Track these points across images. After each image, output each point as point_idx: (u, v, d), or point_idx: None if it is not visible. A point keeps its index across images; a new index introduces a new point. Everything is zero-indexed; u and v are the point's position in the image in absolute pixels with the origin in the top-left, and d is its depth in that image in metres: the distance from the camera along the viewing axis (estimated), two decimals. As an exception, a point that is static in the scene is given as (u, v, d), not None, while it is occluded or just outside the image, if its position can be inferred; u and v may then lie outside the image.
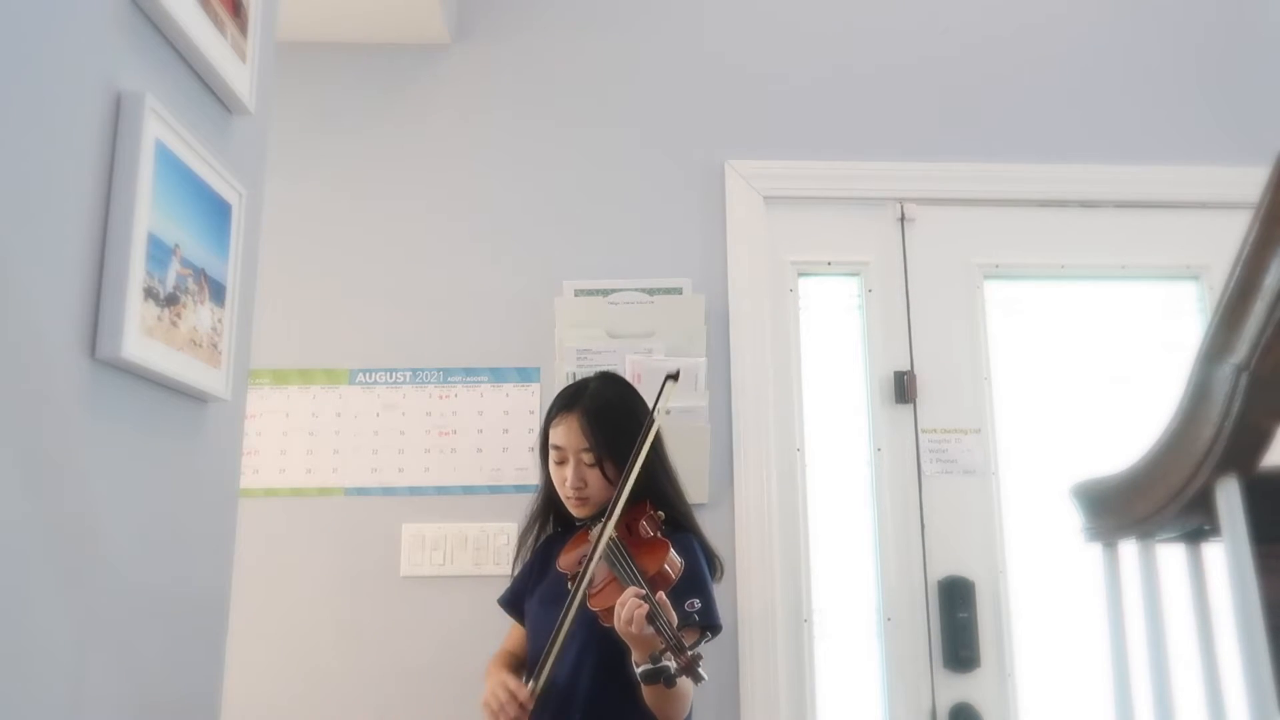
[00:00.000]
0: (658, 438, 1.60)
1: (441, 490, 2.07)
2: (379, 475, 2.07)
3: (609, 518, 1.45)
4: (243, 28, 1.11)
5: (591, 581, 1.44)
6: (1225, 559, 0.70)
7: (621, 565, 1.41)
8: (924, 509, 2.09)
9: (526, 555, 1.71)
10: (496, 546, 2.02)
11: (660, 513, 1.54)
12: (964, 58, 2.30)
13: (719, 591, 1.74)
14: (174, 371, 0.95)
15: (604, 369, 2.00)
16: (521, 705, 1.42)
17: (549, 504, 1.69)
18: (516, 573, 1.73)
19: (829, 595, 2.08)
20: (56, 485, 0.80)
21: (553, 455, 1.60)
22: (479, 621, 1.88)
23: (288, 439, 2.09)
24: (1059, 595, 2.07)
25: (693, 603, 1.47)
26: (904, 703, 2.01)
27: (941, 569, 2.07)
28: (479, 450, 2.08)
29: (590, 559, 1.43)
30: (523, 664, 1.65)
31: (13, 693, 0.73)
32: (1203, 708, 0.81)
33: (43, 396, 0.78)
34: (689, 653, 1.26)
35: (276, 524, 2.05)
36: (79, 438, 0.83)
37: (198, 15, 1.00)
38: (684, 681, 1.36)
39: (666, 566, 1.42)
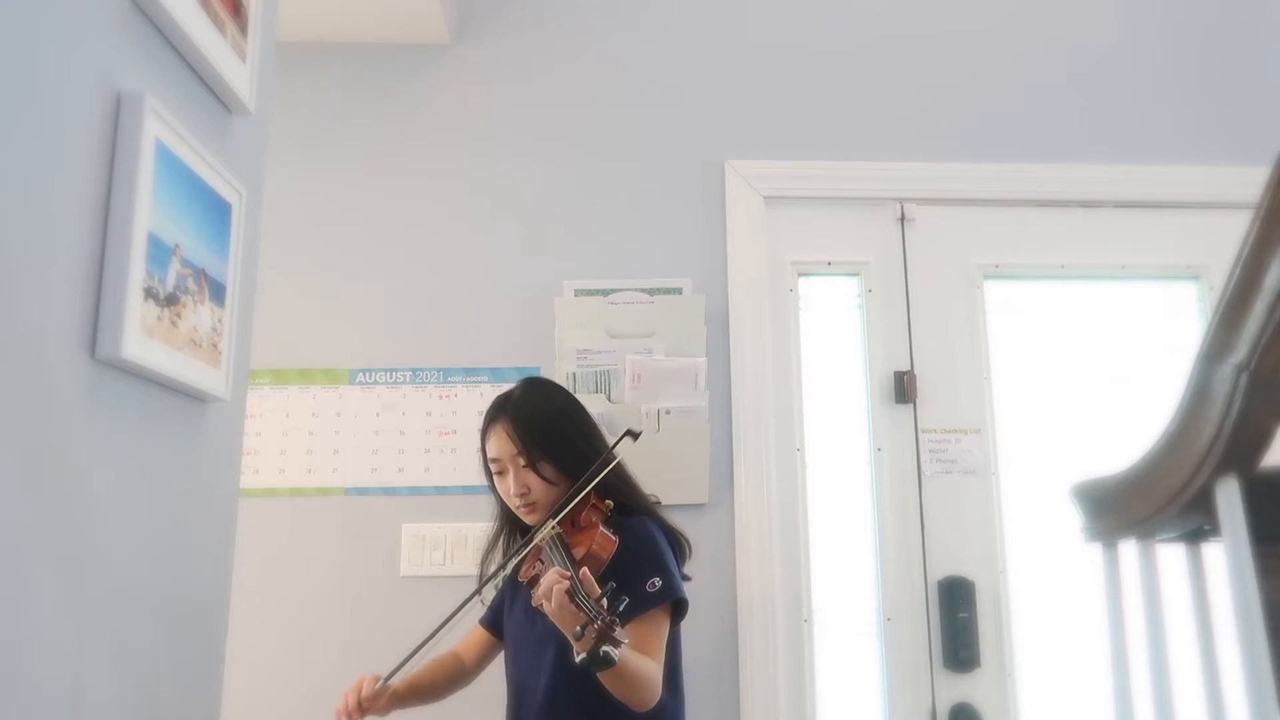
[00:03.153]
0: (597, 433, 1.61)
1: (441, 490, 2.07)
2: (379, 475, 2.07)
3: (550, 518, 1.45)
4: (243, 28, 1.11)
5: (539, 583, 1.43)
6: (1225, 559, 0.70)
7: (559, 556, 1.40)
8: (924, 509, 2.09)
9: (495, 580, 1.67)
10: (486, 541, 2.01)
11: (608, 501, 1.52)
12: (964, 58, 2.30)
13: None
14: (174, 371, 0.95)
15: (604, 369, 2.00)
16: (359, 702, 1.46)
17: (506, 522, 1.67)
18: (493, 596, 1.71)
19: (829, 595, 2.08)
20: (56, 485, 0.80)
21: (493, 469, 1.59)
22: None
23: (288, 439, 2.09)
24: (1059, 595, 2.07)
25: (653, 582, 1.45)
26: (904, 703, 2.01)
27: (941, 569, 2.07)
28: (479, 450, 2.07)
29: (518, 551, 1.44)
30: (466, 669, 1.67)
31: (13, 693, 0.73)
32: (1203, 708, 0.81)
33: (43, 396, 0.78)
34: (604, 619, 1.22)
35: (276, 524, 2.04)
36: (79, 438, 0.83)
37: (198, 15, 1.00)
38: (635, 663, 1.34)
39: (595, 546, 1.41)
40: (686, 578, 1.58)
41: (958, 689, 2.01)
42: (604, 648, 1.22)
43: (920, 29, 2.32)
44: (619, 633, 1.22)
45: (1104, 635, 0.92)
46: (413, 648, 1.50)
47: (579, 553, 1.41)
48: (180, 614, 1.01)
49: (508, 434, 1.55)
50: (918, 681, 2.02)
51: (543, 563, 1.44)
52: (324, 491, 2.07)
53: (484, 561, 1.68)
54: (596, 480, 1.47)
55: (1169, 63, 2.32)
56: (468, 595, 1.50)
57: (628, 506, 1.57)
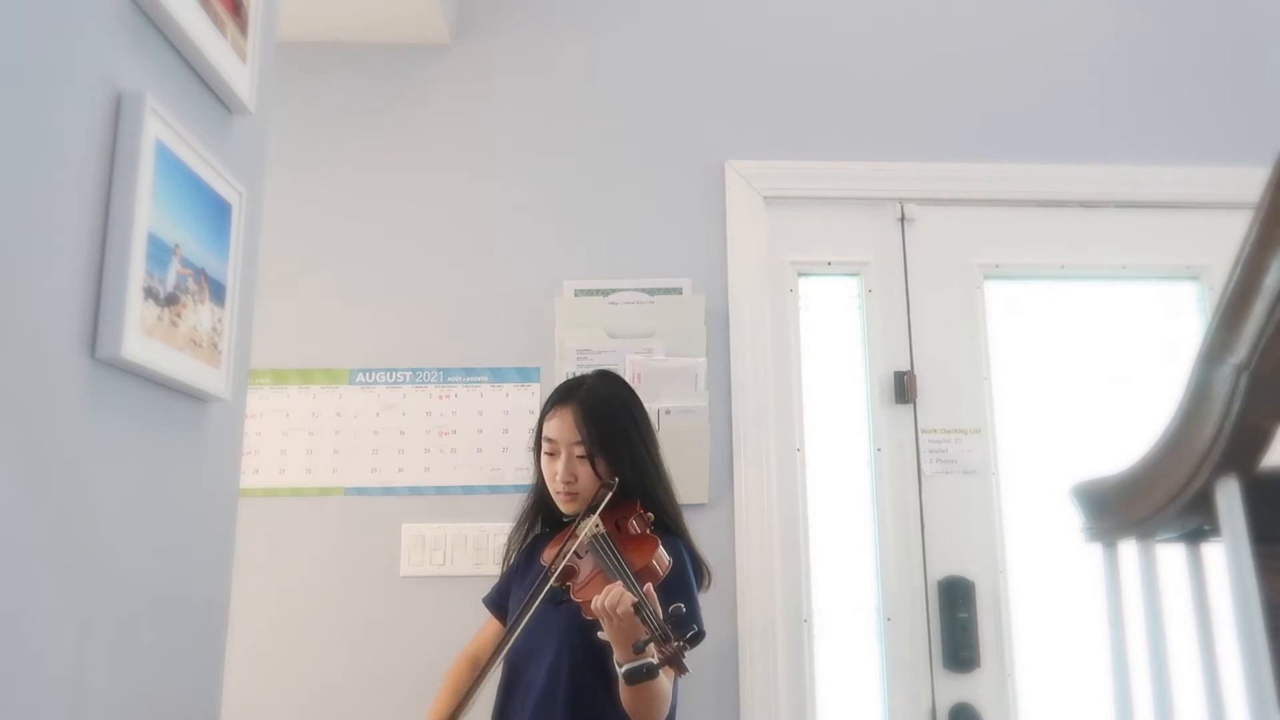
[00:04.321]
0: (655, 442, 1.60)
1: (441, 490, 2.07)
2: (379, 475, 2.07)
3: (594, 508, 1.46)
4: (243, 28, 1.11)
5: (577, 575, 1.44)
6: (1225, 559, 0.70)
7: (609, 559, 1.40)
8: (924, 509, 2.09)
9: (514, 555, 1.70)
10: (496, 546, 2.01)
11: (650, 514, 1.53)
12: (964, 58, 2.30)
13: (713, 597, 1.74)
14: (174, 371, 0.95)
15: (604, 369, 2.00)
16: None
17: (540, 502, 1.68)
18: (503, 571, 1.72)
19: (829, 595, 2.08)
20: (56, 485, 0.80)
21: (545, 448, 1.60)
22: (478, 622, 1.88)
23: (288, 439, 2.09)
24: (1059, 595, 2.07)
25: (678, 606, 1.46)
26: (904, 703, 2.01)
27: (941, 569, 2.07)
28: (479, 450, 2.08)
29: (571, 547, 1.44)
30: (481, 666, 1.65)
31: (13, 693, 0.73)
32: (1203, 708, 0.81)
33: (43, 396, 0.78)
34: (675, 642, 1.24)
35: (276, 524, 2.05)
36: (79, 438, 0.83)
37: (198, 15, 1.00)
38: (663, 681, 1.35)
39: (654, 561, 1.42)
40: None
41: (958, 689, 2.01)
42: (672, 672, 1.25)
43: (920, 29, 2.31)
44: (685, 658, 1.25)
45: (1104, 635, 0.92)
46: (507, 633, 1.45)
47: (635, 562, 1.40)
48: (180, 614, 1.01)
49: (575, 419, 1.55)
50: (918, 681, 2.02)
51: (580, 556, 1.44)
52: (324, 491, 2.07)
53: (510, 539, 1.70)
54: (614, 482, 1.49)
55: (1169, 63, 2.32)
56: (533, 591, 1.45)
57: (667, 526, 1.57)
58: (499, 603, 1.69)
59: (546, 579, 1.43)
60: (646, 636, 1.26)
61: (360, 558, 2.04)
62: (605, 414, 1.56)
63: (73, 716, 0.81)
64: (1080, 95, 2.29)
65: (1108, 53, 2.32)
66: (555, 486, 1.57)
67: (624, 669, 1.30)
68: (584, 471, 1.55)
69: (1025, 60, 2.31)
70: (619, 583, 1.32)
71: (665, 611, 1.36)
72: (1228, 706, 0.79)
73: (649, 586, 1.33)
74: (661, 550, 1.44)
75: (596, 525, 1.45)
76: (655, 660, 1.25)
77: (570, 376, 1.88)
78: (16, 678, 0.74)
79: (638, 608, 1.27)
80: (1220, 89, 2.31)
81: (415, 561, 2.03)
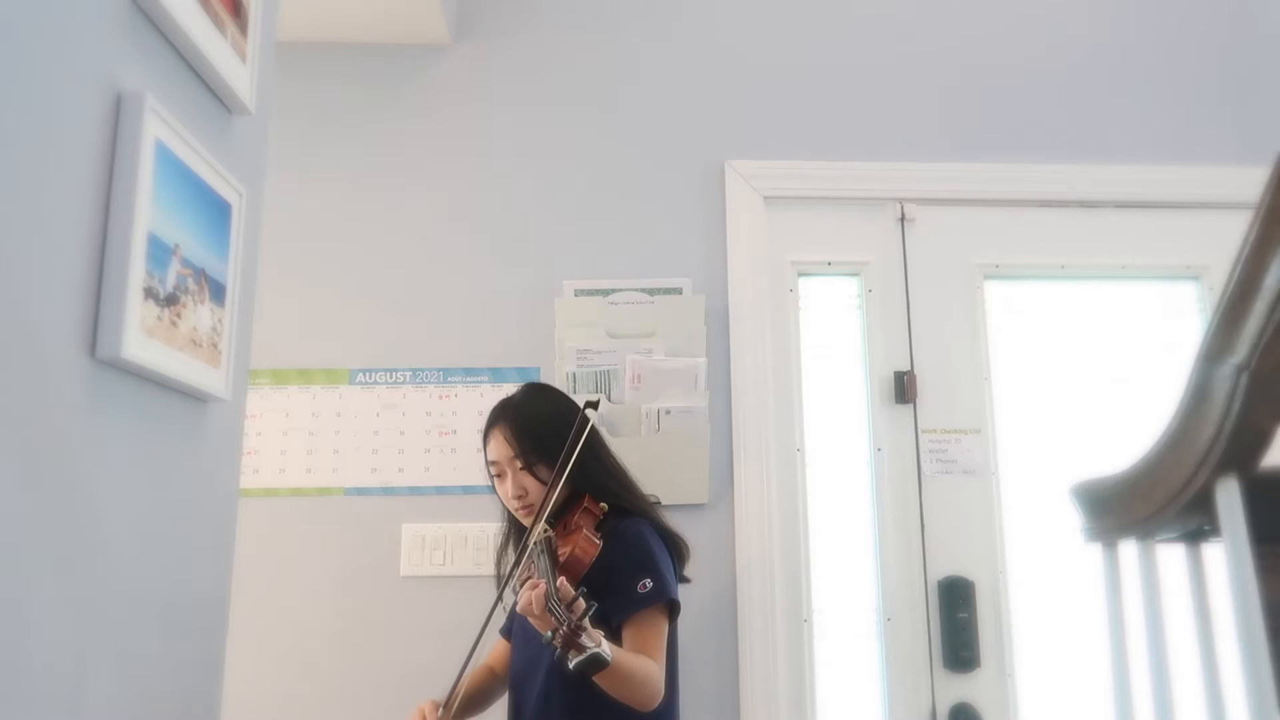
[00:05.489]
0: (592, 432, 1.57)
1: (441, 490, 2.07)
2: (379, 475, 2.07)
3: (536, 520, 1.46)
4: (243, 28, 1.11)
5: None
6: (1225, 559, 0.70)
7: (544, 560, 1.41)
8: (924, 509, 2.09)
9: (503, 585, 1.71)
10: (496, 546, 2.01)
11: (603, 504, 1.53)
12: (964, 58, 2.30)
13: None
14: (174, 371, 0.95)
15: (604, 369, 2.00)
16: None
17: (512, 526, 1.69)
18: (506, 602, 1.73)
19: (829, 595, 2.08)
20: (56, 485, 0.80)
21: (492, 472, 1.62)
22: (479, 621, 1.88)
23: (288, 439, 2.09)
24: (1059, 595, 2.07)
25: (644, 583, 1.46)
26: (904, 703, 2.01)
27: (941, 569, 2.07)
28: (479, 450, 2.07)
29: (517, 560, 1.45)
30: (499, 679, 1.68)
31: (13, 693, 0.73)
32: (1203, 708, 0.81)
33: (43, 396, 0.78)
34: (572, 623, 1.22)
35: (276, 524, 2.05)
36: (79, 438, 0.83)
37: (198, 15, 1.00)
38: (629, 661, 1.35)
39: (576, 551, 1.42)
40: (685, 579, 1.59)
41: (958, 689, 2.01)
42: (573, 654, 1.22)
43: (920, 29, 2.32)
44: (585, 637, 1.22)
45: (1104, 635, 0.92)
46: (458, 668, 1.51)
47: (563, 556, 1.41)
48: (180, 614, 1.01)
49: (505, 437, 1.57)
50: (918, 681, 2.02)
51: (534, 564, 1.44)
52: (324, 491, 2.07)
53: (498, 565, 1.71)
54: (567, 470, 1.48)
55: (1169, 63, 2.32)
56: (491, 606, 1.51)
57: (624, 509, 1.57)
58: (510, 626, 1.71)
59: (500, 593, 1.46)
60: (554, 626, 1.24)
61: (360, 558, 2.04)
62: (531, 422, 1.57)
63: (72, 716, 0.81)
64: (1080, 96, 2.29)
65: (1108, 53, 2.32)
66: (511, 506, 1.59)
67: (573, 665, 1.29)
68: (530, 483, 1.55)
69: (1025, 60, 2.31)
70: (530, 582, 1.33)
71: (633, 593, 1.36)
72: (1228, 706, 0.79)
73: (563, 579, 1.31)
74: (587, 534, 1.44)
75: (545, 530, 1.45)
76: (559, 647, 1.22)
77: (572, 379, 1.90)
78: (16, 677, 0.74)
79: (546, 597, 1.27)
80: (1220, 89, 2.31)
81: (415, 561, 2.03)
